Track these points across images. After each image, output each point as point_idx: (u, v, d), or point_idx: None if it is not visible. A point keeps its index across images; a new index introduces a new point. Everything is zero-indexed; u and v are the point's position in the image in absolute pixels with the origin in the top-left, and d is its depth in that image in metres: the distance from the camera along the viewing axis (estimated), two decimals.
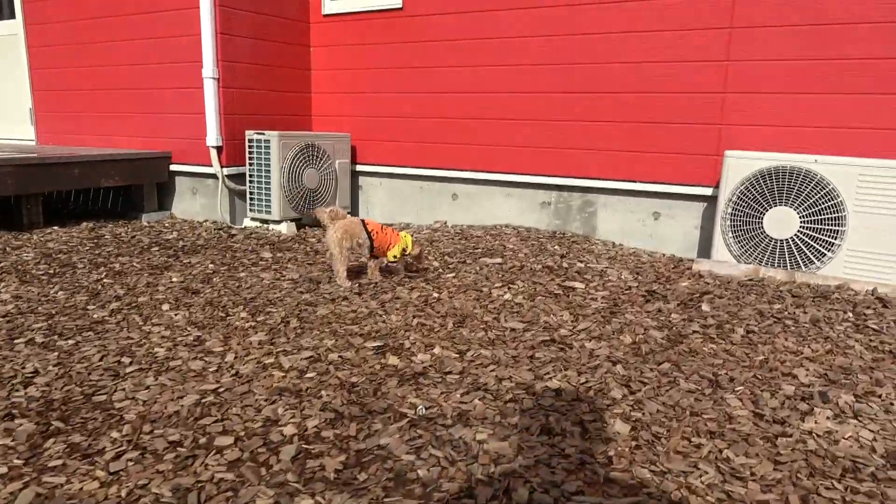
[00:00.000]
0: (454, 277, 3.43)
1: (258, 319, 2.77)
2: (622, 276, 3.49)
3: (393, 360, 2.32)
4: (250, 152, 4.80)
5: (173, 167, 5.23)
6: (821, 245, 3.49)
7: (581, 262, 3.79)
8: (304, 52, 5.45)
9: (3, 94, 6.32)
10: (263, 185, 4.78)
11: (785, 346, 2.51)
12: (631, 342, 2.53)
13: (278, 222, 4.83)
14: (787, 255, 3.58)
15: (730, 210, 3.71)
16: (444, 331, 2.62)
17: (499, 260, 3.82)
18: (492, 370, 2.23)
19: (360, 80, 5.35)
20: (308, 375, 2.19)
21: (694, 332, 2.66)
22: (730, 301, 3.09)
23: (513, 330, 2.63)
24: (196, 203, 5.24)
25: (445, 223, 5.22)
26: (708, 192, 4.12)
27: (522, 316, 2.81)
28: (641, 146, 4.32)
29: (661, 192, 4.31)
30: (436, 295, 3.11)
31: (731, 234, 3.72)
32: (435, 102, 5.05)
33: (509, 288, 3.21)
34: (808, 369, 2.28)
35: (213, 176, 4.98)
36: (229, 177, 4.99)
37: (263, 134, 4.70)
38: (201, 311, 2.87)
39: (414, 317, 2.79)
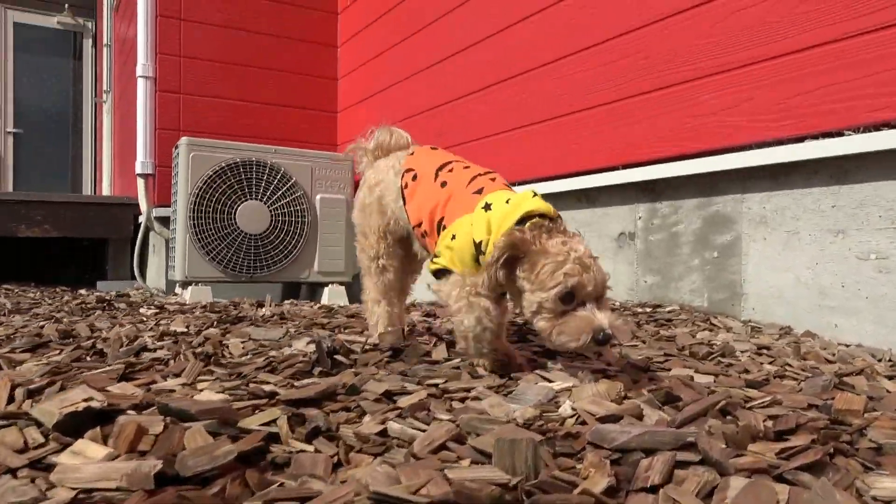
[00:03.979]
0: None
1: None
2: None
3: None
4: (175, 175, 3.11)
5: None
6: None
7: None
8: (323, 51, 3.72)
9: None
10: (175, 226, 3.00)
11: None
12: None
13: (184, 285, 2.93)
14: None
15: None
16: None
17: None
18: None
19: (381, 72, 3.36)
20: None
21: None
22: None
23: None
24: (153, 264, 3.68)
25: None
26: None
27: None
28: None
29: None
30: None
31: None
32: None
33: None
34: None
35: (160, 220, 3.40)
36: (161, 220, 3.36)
37: (178, 144, 2.98)
38: None
39: None
